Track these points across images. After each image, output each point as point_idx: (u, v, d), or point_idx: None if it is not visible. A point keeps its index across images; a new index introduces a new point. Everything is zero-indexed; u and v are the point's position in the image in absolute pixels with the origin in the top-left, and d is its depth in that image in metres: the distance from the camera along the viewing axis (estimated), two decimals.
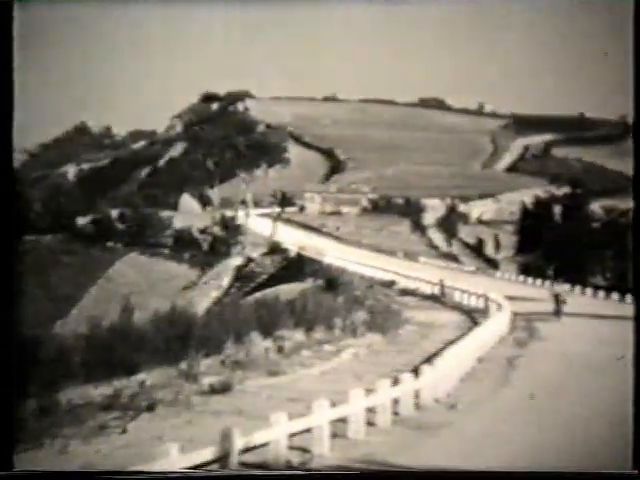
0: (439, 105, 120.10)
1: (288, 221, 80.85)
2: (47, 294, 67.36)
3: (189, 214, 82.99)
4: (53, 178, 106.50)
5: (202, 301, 57.81)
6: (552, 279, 49.38)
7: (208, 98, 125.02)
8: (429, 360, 19.76)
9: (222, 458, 11.22)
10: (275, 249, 68.44)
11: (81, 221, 77.73)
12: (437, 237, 75.42)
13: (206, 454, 11.04)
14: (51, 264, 72.37)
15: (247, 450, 11.73)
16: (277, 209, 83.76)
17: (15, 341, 11.99)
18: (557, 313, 32.23)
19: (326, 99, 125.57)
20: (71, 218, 77.59)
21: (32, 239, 76.68)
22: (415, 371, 17.82)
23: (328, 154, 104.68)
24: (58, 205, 79.28)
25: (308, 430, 13.15)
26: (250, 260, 68.30)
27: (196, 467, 10.96)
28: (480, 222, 77.36)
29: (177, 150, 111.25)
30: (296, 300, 27.27)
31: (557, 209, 62.77)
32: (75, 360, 16.56)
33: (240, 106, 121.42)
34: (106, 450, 12.99)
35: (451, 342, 23.26)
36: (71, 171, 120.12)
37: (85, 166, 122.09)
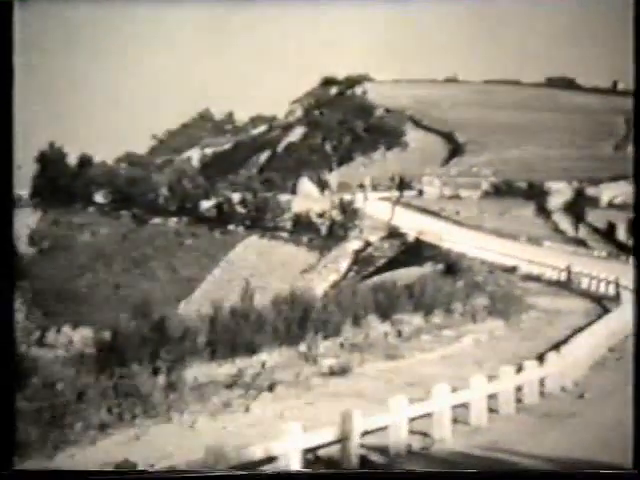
0: (568, 84, 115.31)
1: (406, 205, 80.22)
2: (172, 275, 69.96)
3: (307, 198, 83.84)
4: (178, 163, 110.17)
5: (320, 284, 58.36)
6: None
7: (327, 82, 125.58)
8: (555, 347, 19.10)
9: (343, 440, 11.25)
10: (393, 233, 68.10)
11: (204, 205, 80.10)
12: (563, 221, 72.69)
13: (327, 435, 11.10)
14: (176, 246, 75.11)
15: (367, 433, 11.70)
16: (395, 193, 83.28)
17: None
18: None
19: (447, 81, 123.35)
20: (195, 202, 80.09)
21: (159, 222, 79.82)
22: (540, 358, 17.27)
23: (448, 137, 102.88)
24: (183, 189, 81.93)
25: (428, 415, 12.98)
26: (368, 244, 68.30)
27: (317, 448, 11.03)
28: (611, 206, 73.83)
29: (296, 134, 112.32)
30: (415, 284, 26.94)
31: None
32: (200, 340, 17.03)
33: (358, 90, 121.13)
34: (232, 428, 13.29)
35: (579, 330, 22.39)
36: (195, 156, 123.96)
37: (208, 151, 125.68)
